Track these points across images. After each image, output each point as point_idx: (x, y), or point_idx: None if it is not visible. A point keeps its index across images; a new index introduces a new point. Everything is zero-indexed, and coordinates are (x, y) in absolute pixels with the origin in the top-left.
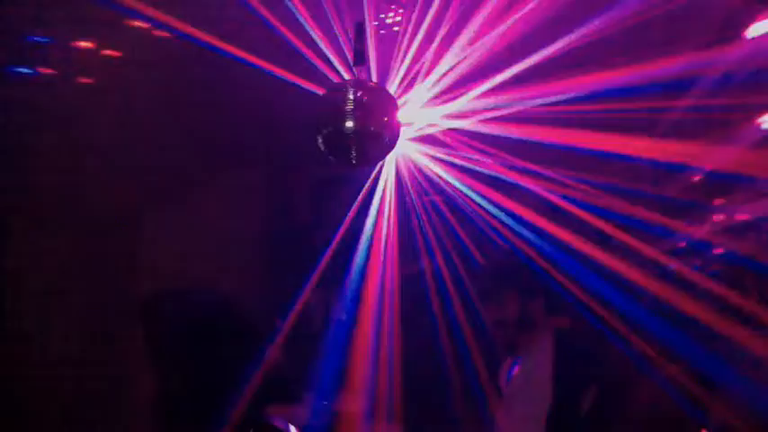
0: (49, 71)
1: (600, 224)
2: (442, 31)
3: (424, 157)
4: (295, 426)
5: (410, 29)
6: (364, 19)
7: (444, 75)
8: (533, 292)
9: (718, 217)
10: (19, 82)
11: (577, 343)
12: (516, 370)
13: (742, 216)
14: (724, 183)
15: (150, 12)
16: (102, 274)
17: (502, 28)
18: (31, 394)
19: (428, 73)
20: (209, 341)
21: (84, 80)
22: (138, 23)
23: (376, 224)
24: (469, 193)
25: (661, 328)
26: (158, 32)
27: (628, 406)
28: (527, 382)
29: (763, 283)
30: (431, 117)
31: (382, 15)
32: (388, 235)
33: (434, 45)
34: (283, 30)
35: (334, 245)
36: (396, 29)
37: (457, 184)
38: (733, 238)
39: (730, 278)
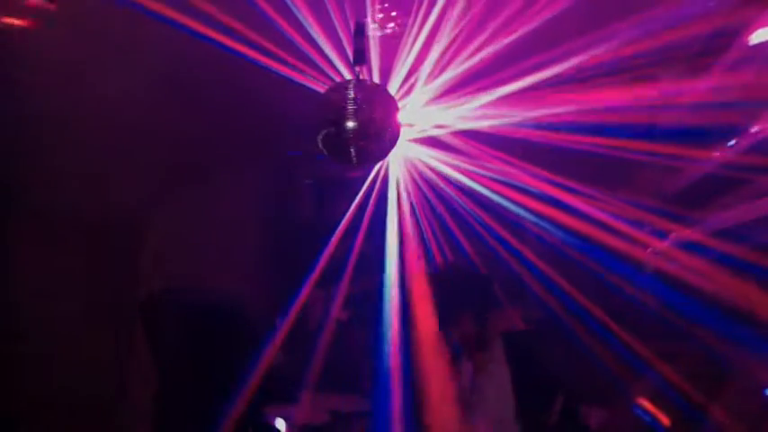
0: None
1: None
2: (446, 32)
3: (424, 157)
4: (292, 425)
5: (414, 29)
6: (364, 18)
7: (448, 75)
8: (488, 305)
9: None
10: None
11: (531, 345)
12: (478, 384)
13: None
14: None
15: (157, 7)
16: (103, 274)
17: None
18: (31, 394)
19: (431, 73)
20: (208, 341)
21: (80, 78)
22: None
23: (375, 224)
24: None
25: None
26: (163, 29)
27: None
28: (490, 396)
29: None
30: (433, 118)
31: (381, 15)
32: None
33: (437, 46)
34: (285, 26)
35: (332, 244)
36: (398, 30)
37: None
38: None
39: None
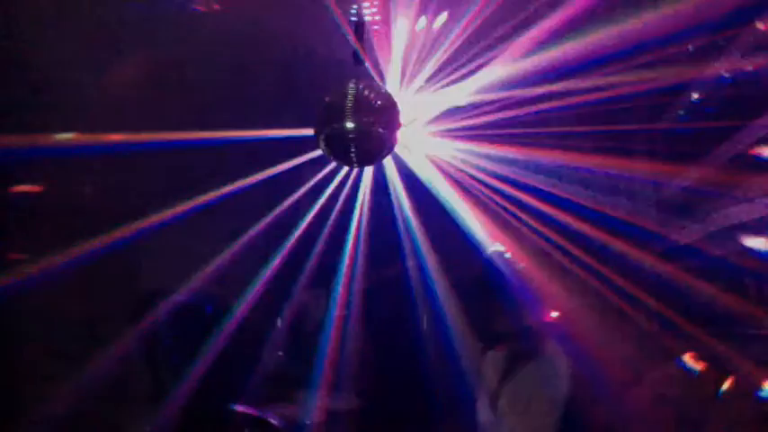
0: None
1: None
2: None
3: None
4: (289, 423)
5: (425, 32)
6: (364, 19)
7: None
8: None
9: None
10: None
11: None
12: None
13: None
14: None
15: None
16: (102, 274)
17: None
18: (31, 395)
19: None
20: (207, 341)
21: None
22: None
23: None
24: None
25: None
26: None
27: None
28: (541, 391)
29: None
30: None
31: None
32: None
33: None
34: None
35: (329, 244)
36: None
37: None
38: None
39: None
